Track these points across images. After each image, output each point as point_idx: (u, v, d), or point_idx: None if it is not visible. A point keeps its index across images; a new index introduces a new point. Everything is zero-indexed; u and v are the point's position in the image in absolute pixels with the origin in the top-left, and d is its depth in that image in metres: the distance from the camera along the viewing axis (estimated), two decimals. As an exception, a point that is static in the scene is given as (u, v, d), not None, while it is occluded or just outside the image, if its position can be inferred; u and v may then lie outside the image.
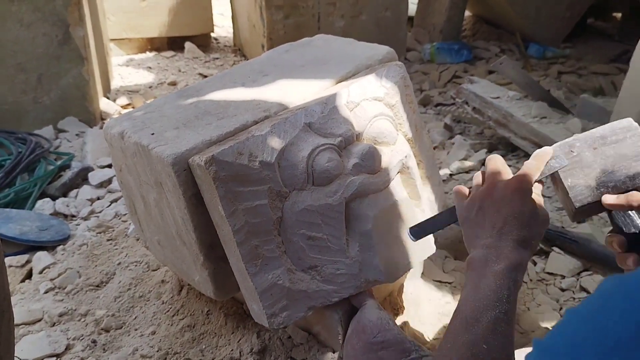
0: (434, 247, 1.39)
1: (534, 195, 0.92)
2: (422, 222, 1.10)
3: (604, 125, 0.91)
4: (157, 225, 1.45)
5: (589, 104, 2.69)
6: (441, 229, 1.11)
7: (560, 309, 1.65)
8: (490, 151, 2.74)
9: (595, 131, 0.92)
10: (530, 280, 1.76)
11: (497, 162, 0.97)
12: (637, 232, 0.88)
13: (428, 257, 1.42)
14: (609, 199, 0.90)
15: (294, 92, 1.39)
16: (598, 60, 4.04)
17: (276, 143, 1.18)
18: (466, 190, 1.00)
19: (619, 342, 0.46)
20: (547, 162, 0.97)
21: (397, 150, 1.32)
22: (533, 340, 0.55)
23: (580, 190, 0.91)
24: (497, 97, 2.80)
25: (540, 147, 2.57)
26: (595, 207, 0.92)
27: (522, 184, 0.90)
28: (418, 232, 1.10)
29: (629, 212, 0.89)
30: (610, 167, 0.89)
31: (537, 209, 0.90)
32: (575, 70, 3.87)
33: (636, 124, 0.89)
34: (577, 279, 1.74)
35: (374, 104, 1.31)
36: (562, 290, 1.72)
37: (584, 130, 2.52)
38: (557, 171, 0.92)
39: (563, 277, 1.76)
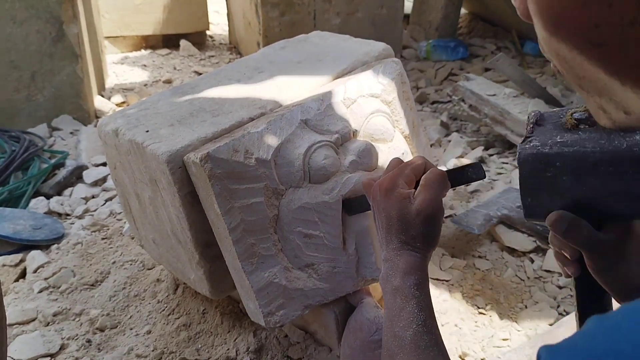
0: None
1: (399, 193, 0.83)
2: (356, 198, 1.15)
3: (606, 147, 0.66)
4: (152, 224, 1.44)
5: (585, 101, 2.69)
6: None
7: (558, 306, 1.64)
8: (487, 148, 2.73)
9: (590, 155, 0.66)
10: (528, 278, 1.76)
11: (390, 164, 0.91)
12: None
13: (425, 255, 1.41)
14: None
15: (290, 88, 1.38)
16: (594, 57, 4.03)
17: (272, 140, 1.17)
18: (371, 184, 0.92)
19: None
20: (465, 168, 0.87)
21: (394, 147, 1.31)
22: None
23: (538, 212, 0.72)
24: (494, 95, 2.80)
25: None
26: None
27: (386, 185, 0.84)
28: (350, 208, 1.16)
29: None
30: (589, 201, 0.69)
31: (407, 209, 0.81)
32: (572, 67, 3.86)
33: None
34: (575, 277, 1.73)
35: (370, 100, 1.31)
36: (560, 287, 1.71)
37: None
38: (520, 187, 0.73)
39: (560, 274, 1.75)
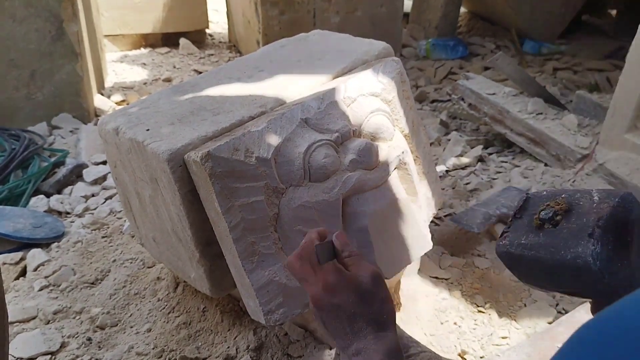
0: (431, 244, 1.39)
1: (343, 278, 0.80)
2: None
3: (555, 256, 0.73)
4: (152, 222, 1.44)
5: (584, 100, 2.70)
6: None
7: (557, 305, 1.65)
8: (486, 147, 2.74)
9: (544, 260, 0.75)
10: (527, 276, 1.77)
11: (293, 264, 0.85)
12: None
13: (425, 254, 1.41)
14: None
15: (290, 87, 1.38)
16: (593, 56, 4.04)
17: (272, 139, 1.17)
18: (298, 270, 0.85)
19: None
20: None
21: (394, 146, 1.31)
22: None
23: (533, 285, 0.82)
24: (493, 94, 2.80)
25: (536, 143, 2.57)
26: None
27: (333, 277, 0.80)
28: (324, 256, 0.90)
29: None
30: (567, 288, 0.76)
31: (361, 283, 0.80)
32: (571, 66, 3.88)
33: (595, 267, 0.69)
34: (574, 275, 1.74)
35: (370, 99, 1.31)
36: (559, 286, 1.72)
37: (579, 125, 2.52)
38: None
39: (559, 273, 1.76)
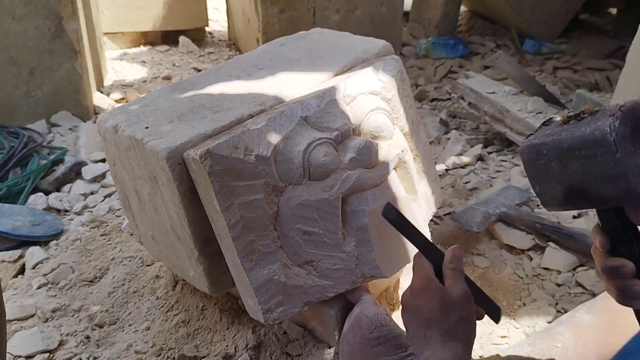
0: (431, 242, 1.38)
1: (437, 285, 0.87)
2: (402, 216, 0.95)
3: (575, 133, 0.77)
4: (151, 220, 1.44)
5: (584, 99, 2.70)
6: (407, 239, 0.95)
7: (556, 304, 1.65)
8: (485, 146, 2.73)
9: (564, 140, 0.78)
10: (526, 275, 1.76)
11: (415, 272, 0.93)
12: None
13: (424, 252, 1.41)
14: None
15: (290, 85, 1.38)
16: (593, 55, 4.04)
17: (272, 137, 1.17)
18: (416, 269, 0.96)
19: None
20: (488, 304, 0.92)
21: (393, 144, 1.31)
22: None
23: (548, 199, 0.85)
24: (493, 92, 2.80)
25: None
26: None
27: (421, 281, 0.88)
28: (394, 219, 0.94)
29: None
30: (578, 184, 0.79)
31: (447, 295, 0.85)
32: (571, 65, 3.87)
33: (611, 138, 0.73)
34: (573, 274, 1.73)
35: (370, 97, 1.31)
36: (558, 285, 1.72)
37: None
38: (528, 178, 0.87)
39: (559, 272, 1.76)
